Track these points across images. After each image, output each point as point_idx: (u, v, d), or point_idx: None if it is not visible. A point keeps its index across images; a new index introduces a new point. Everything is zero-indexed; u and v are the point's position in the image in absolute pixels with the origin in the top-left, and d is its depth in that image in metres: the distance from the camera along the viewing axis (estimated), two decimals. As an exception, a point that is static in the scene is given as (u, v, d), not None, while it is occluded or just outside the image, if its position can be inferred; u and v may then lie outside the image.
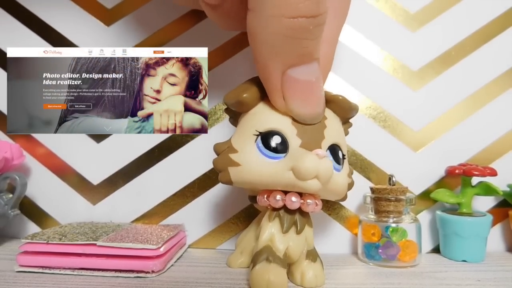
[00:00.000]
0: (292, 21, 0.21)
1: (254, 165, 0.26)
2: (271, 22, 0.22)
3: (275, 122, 0.26)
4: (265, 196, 0.27)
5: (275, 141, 0.25)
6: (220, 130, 0.39)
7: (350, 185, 0.30)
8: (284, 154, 0.25)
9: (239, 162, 0.26)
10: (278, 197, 0.26)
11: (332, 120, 0.28)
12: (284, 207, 0.27)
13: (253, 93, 0.26)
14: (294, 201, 0.26)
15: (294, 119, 0.26)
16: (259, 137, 0.26)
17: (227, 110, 0.29)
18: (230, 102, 0.27)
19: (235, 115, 0.29)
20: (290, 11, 0.21)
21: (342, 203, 0.38)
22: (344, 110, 0.28)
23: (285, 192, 0.26)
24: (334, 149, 0.27)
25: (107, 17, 0.41)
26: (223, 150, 0.27)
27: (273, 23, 0.22)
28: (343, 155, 0.28)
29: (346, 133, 0.31)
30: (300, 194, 0.26)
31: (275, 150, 0.25)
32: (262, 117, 0.26)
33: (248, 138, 0.26)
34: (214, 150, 0.28)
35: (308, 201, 0.26)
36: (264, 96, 0.27)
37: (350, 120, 0.31)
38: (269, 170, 0.25)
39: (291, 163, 0.24)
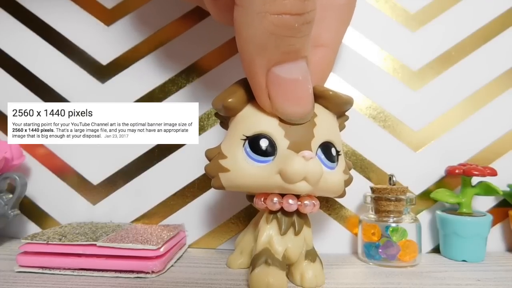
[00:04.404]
0: (277, 18, 0.21)
1: (243, 171, 0.25)
2: (256, 18, 0.21)
3: (261, 125, 0.26)
4: (262, 199, 0.27)
5: (262, 144, 0.25)
6: (220, 131, 0.39)
7: (348, 181, 0.29)
8: (272, 157, 0.25)
9: (228, 168, 0.26)
10: (275, 200, 0.26)
11: (323, 117, 0.27)
12: (282, 209, 0.26)
13: (239, 97, 0.26)
14: (291, 204, 0.26)
15: (281, 120, 0.25)
16: (247, 142, 0.26)
17: (217, 115, 0.29)
18: (217, 107, 0.27)
19: (224, 119, 0.29)
20: (275, 7, 0.21)
21: (342, 202, 0.38)
22: (336, 105, 0.28)
23: (282, 195, 0.26)
24: (326, 147, 0.26)
25: (107, 17, 0.41)
26: (213, 156, 0.27)
27: (259, 19, 0.21)
28: (337, 152, 0.27)
29: (343, 127, 0.30)
30: (297, 196, 0.26)
31: (263, 153, 0.25)
32: (248, 121, 0.26)
33: (236, 143, 0.26)
34: (205, 156, 0.28)
35: (306, 202, 0.26)
36: (251, 99, 0.27)
37: (347, 113, 0.30)
38: (257, 175, 0.25)
39: (279, 166, 0.24)
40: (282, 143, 0.25)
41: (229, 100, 0.26)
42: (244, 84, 0.26)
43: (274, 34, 0.22)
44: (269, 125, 0.25)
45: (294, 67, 0.24)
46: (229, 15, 0.27)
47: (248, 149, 0.25)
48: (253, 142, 0.25)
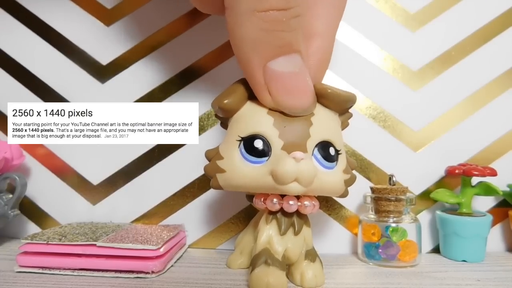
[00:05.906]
0: (265, 15, 0.22)
1: (238, 171, 0.26)
2: (245, 17, 0.22)
3: (256, 126, 0.26)
4: (262, 199, 0.27)
5: (256, 145, 0.25)
6: (220, 131, 0.39)
7: (349, 181, 0.28)
8: (266, 158, 0.25)
9: (224, 169, 0.26)
10: (275, 200, 0.26)
11: (321, 116, 0.26)
12: (281, 209, 0.26)
13: (235, 98, 0.26)
14: (291, 204, 0.26)
15: (275, 121, 0.25)
16: (242, 143, 0.26)
17: (217, 116, 0.29)
18: (214, 109, 0.27)
19: (223, 120, 0.29)
20: (261, 5, 0.22)
21: (342, 202, 0.38)
22: (336, 104, 0.27)
23: (282, 195, 0.26)
24: (324, 146, 0.26)
25: (107, 17, 0.41)
26: (212, 157, 0.27)
27: (248, 18, 0.22)
28: (337, 151, 0.27)
29: (346, 125, 0.30)
30: (297, 197, 0.26)
31: (257, 154, 0.25)
32: (244, 121, 0.26)
33: (232, 144, 0.26)
34: (205, 156, 0.28)
35: (306, 203, 0.26)
36: (248, 99, 0.27)
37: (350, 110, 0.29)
38: (252, 175, 0.25)
39: (271, 167, 0.24)
40: (276, 143, 0.25)
41: (225, 101, 0.26)
42: (242, 84, 0.26)
43: (264, 30, 0.23)
44: (263, 126, 0.25)
45: (289, 61, 0.24)
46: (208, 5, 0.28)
47: (243, 150, 0.26)
48: (247, 143, 0.25)
